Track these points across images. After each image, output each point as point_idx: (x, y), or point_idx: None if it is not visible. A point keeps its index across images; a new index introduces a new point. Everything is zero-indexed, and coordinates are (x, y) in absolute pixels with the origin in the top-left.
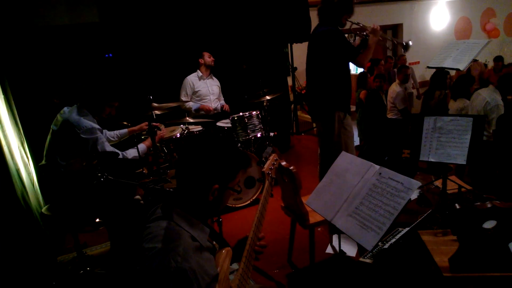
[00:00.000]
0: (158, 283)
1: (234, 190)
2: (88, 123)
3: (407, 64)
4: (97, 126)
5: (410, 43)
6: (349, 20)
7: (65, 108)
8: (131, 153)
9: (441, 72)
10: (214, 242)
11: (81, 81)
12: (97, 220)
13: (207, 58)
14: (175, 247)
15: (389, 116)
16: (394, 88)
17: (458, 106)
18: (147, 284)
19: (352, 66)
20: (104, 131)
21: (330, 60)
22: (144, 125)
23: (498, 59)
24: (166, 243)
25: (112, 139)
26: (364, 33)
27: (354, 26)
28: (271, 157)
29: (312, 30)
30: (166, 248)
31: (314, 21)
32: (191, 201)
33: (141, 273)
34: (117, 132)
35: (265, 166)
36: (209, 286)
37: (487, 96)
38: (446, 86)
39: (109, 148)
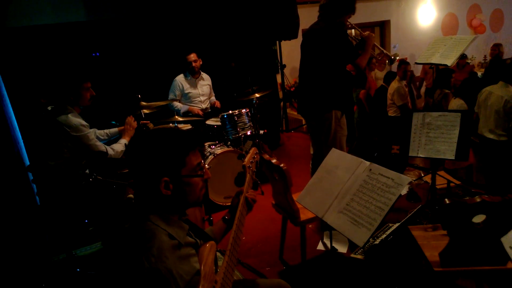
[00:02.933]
0: (132, 284)
1: (194, 176)
2: (76, 120)
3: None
4: (84, 122)
5: (398, 57)
6: (349, 21)
7: (49, 108)
8: (118, 147)
9: (446, 70)
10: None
11: (46, 80)
12: (87, 221)
13: (193, 63)
14: (149, 248)
15: (389, 113)
16: (393, 85)
17: (452, 106)
18: (122, 285)
19: None
20: (93, 129)
21: (330, 57)
22: (131, 120)
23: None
24: (139, 244)
25: (101, 137)
26: (360, 36)
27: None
28: (251, 151)
29: (310, 26)
30: (140, 249)
31: (302, 18)
32: (152, 199)
33: (115, 274)
34: (106, 130)
35: (245, 159)
36: (189, 283)
37: (504, 94)
38: (450, 86)
39: (99, 145)
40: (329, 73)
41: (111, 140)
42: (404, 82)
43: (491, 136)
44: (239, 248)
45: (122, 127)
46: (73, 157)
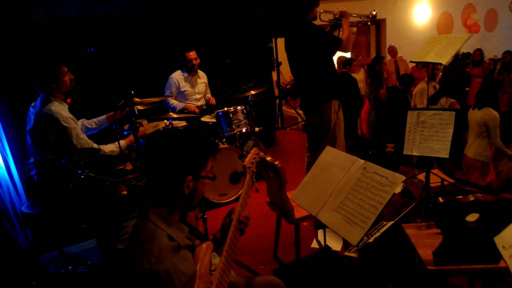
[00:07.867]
0: (131, 286)
1: (208, 178)
2: (63, 111)
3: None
4: (70, 115)
5: (374, 12)
6: (318, 11)
7: (32, 104)
8: (110, 147)
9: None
10: (193, 238)
11: (24, 72)
12: (80, 219)
13: (193, 61)
14: (149, 249)
15: None
16: (418, 86)
17: (482, 117)
18: (120, 286)
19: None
20: (81, 119)
21: (317, 52)
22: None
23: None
24: (140, 244)
25: (89, 126)
26: (335, 18)
27: (323, 14)
28: (252, 151)
29: (286, 26)
30: (140, 249)
31: None
32: (166, 198)
33: (113, 275)
34: (94, 119)
35: (246, 159)
36: (186, 285)
37: None
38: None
39: (90, 142)
40: (318, 68)
41: (101, 129)
42: (433, 84)
43: None
44: (236, 249)
45: (109, 114)
46: (64, 152)
